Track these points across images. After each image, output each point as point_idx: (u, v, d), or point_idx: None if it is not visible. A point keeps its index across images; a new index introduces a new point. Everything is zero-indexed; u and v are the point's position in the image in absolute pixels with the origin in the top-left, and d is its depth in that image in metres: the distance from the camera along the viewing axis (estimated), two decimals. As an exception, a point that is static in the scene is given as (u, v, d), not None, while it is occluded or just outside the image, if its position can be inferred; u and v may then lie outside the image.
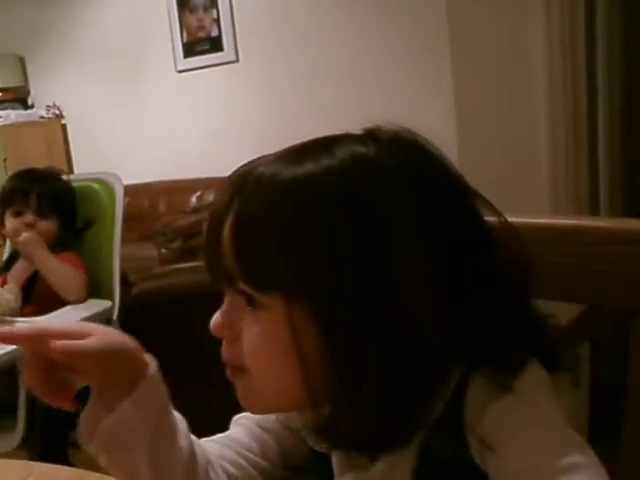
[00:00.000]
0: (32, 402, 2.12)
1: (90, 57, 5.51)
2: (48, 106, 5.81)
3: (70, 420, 2.53)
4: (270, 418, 0.88)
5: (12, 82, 5.96)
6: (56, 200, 2.45)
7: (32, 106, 5.98)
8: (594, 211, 3.12)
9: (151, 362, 0.74)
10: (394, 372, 0.63)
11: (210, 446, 0.87)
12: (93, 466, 1.02)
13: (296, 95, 4.49)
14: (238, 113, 4.80)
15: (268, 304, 0.65)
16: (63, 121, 5.85)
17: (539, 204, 2.75)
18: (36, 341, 0.70)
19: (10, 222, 2.44)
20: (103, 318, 2.29)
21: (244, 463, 0.86)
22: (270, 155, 0.70)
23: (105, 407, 0.71)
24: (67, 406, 0.74)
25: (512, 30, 3.24)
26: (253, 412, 0.78)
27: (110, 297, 2.36)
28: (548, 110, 3.10)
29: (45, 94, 5.89)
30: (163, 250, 3.66)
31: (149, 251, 3.86)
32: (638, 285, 0.83)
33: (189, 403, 2.53)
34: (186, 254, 3.44)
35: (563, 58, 3.05)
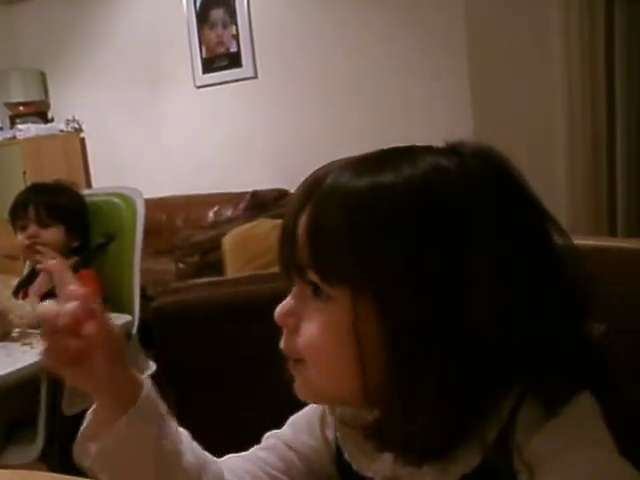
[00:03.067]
0: (52, 414, 2.14)
1: (110, 72, 5.57)
2: (67, 120, 5.87)
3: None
4: (299, 438, 0.89)
5: (33, 96, 6.03)
6: (56, 209, 2.47)
7: (52, 120, 6.04)
8: (612, 231, 3.13)
9: (146, 380, 0.77)
10: (450, 378, 0.64)
11: (234, 461, 0.88)
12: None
13: (314, 111, 4.51)
14: (256, 129, 4.83)
15: (334, 295, 0.67)
16: (82, 135, 5.91)
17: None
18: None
19: (18, 237, 2.48)
20: (123, 332, 2.31)
21: (266, 478, 0.87)
22: (341, 160, 0.73)
23: (103, 422, 0.74)
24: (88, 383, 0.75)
25: (531, 48, 3.25)
26: (310, 401, 0.79)
27: (130, 311, 2.38)
28: (567, 132, 3.11)
29: (65, 108, 5.95)
30: (180, 265, 3.68)
31: (166, 265, 3.89)
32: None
33: (204, 417, 2.53)
34: (204, 269, 3.46)
35: (582, 80, 3.06)
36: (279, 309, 0.72)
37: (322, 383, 0.70)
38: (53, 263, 2.29)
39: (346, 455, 0.79)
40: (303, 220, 0.69)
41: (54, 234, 2.45)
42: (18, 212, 2.48)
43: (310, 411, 0.88)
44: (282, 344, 0.72)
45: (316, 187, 0.70)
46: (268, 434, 0.92)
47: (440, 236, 0.65)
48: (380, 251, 0.65)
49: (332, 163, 0.72)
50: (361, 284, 0.65)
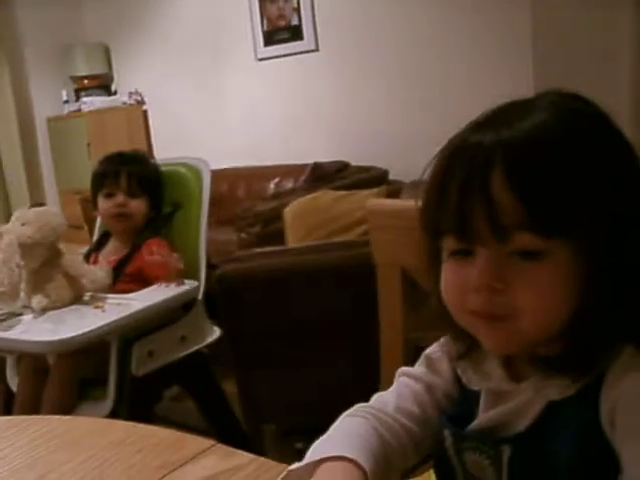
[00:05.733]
0: (122, 374, 2.21)
1: (172, 45, 5.63)
2: (130, 92, 5.96)
3: (157, 393, 2.63)
4: (435, 380, 0.90)
5: (97, 70, 6.14)
6: (145, 180, 2.53)
7: (115, 93, 6.14)
8: None
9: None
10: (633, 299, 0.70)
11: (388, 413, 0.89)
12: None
13: (374, 84, 4.51)
14: (316, 101, 4.84)
15: (548, 250, 0.69)
16: (144, 107, 6.00)
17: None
18: None
19: (102, 204, 2.53)
20: (190, 297, 2.37)
21: (403, 434, 0.87)
22: (475, 122, 0.75)
23: None
24: None
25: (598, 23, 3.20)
26: (508, 353, 0.79)
27: (197, 278, 2.44)
28: (632, 107, 3.06)
29: (128, 81, 6.04)
30: (242, 235, 3.74)
31: (228, 235, 3.95)
32: None
33: (267, 385, 2.59)
34: (265, 239, 3.51)
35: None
36: (480, 276, 0.71)
37: (536, 332, 0.72)
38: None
39: (463, 378, 0.84)
40: (499, 182, 0.68)
41: (140, 205, 2.52)
42: (106, 180, 2.52)
43: (441, 352, 0.90)
44: (484, 306, 0.72)
45: (492, 146, 0.70)
46: (402, 372, 0.93)
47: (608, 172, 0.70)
48: (588, 190, 0.68)
49: (471, 128, 0.74)
50: (578, 229, 0.69)
